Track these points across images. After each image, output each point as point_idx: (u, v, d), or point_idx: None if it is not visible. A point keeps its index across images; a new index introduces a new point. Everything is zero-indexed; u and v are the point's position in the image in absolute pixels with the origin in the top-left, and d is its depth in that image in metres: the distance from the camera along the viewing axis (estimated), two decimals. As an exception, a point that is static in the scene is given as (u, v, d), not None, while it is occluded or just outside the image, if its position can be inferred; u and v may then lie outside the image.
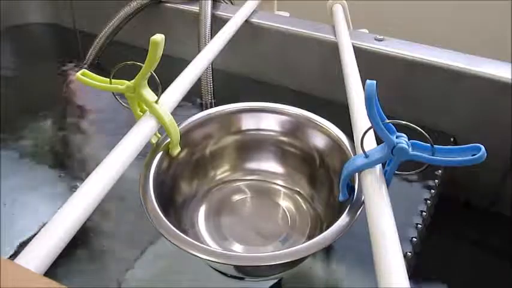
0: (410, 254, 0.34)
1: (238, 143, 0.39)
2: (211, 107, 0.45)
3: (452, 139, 0.46)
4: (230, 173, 0.39)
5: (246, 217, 0.36)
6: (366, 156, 0.28)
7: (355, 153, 0.33)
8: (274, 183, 0.38)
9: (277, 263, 0.27)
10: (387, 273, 0.22)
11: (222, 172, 0.39)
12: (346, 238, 0.28)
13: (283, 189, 0.38)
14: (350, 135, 0.34)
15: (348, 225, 0.28)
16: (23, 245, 0.35)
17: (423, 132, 0.25)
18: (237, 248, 0.33)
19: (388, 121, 0.26)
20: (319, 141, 0.37)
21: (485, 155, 0.24)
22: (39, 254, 0.22)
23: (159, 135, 0.35)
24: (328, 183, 0.35)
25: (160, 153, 0.34)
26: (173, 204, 0.34)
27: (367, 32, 0.52)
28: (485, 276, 0.40)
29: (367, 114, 0.25)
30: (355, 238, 0.30)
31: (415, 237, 0.36)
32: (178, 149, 0.35)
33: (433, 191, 0.40)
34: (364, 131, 0.27)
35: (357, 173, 0.30)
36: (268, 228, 0.35)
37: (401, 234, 0.24)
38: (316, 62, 0.52)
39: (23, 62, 0.64)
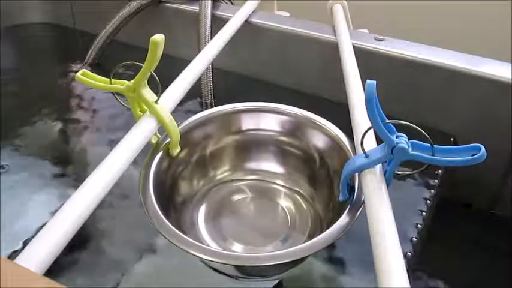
0: (410, 254, 0.34)
1: (238, 143, 0.39)
2: (211, 107, 0.45)
3: (452, 139, 0.46)
4: (230, 173, 0.39)
5: (246, 217, 0.36)
6: (366, 156, 0.28)
7: (355, 153, 0.33)
8: (274, 183, 0.38)
9: (277, 263, 0.27)
10: (387, 273, 0.22)
11: (222, 172, 0.39)
12: (346, 238, 0.28)
13: (283, 189, 0.38)
14: (350, 135, 0.34)
15: (348, 225, 0.28)
16: (23, 244, 0.35)
17: (423, 132, 0.25)
18: (237, 247, 0.33)
19: (388, 121, 0.26)
20: (319, 141, 0.37)
21: (485, 155, 0.24)
22: (39, 254, 0.22)
23: (159, 135, 0.35)
24: (328, 183, 0.35)
25: (160, 153, 0.34)
26: (173, 204, 0.34)
27: (367, 32, 0.52)
28: (485, 276, 0.40)
29: (367, 114, 0.25)
30: (355, 238, 0.30)
31: (415, 237, 0.36)
32: (178, 149, 0.35)
33: (433, 191, 0.40)
34: (364, 131, 0.27)
35: (357, 173, 0.30)
36: (268, 228, 0.35)
37: (401, 234, 0.24)
38: (316, 62, 0.52)
39: (23, 62, 0.63)
